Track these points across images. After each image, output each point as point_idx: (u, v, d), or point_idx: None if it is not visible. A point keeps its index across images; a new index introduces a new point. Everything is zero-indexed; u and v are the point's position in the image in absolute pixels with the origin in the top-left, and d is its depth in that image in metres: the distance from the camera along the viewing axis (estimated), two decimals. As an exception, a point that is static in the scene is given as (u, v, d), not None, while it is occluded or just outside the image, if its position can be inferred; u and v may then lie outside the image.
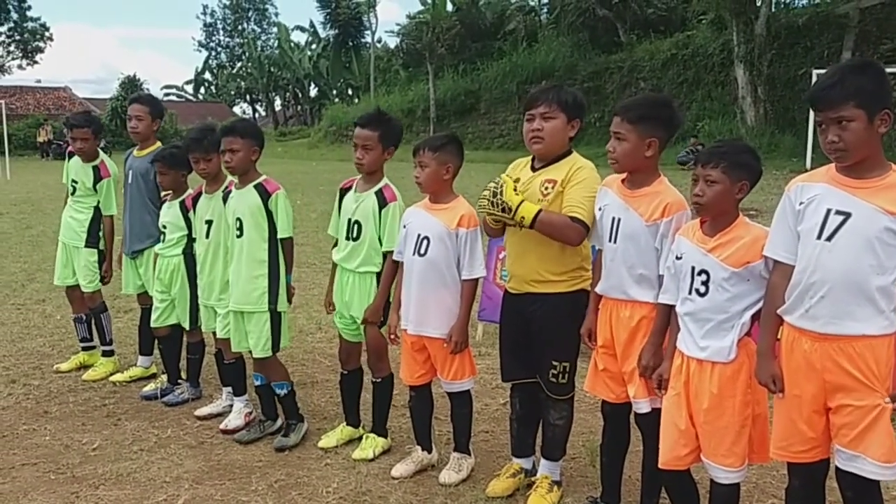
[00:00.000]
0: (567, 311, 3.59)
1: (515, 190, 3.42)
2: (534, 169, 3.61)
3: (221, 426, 4.63)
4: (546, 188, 3.48)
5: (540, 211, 3.37)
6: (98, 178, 5.48)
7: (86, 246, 5.53)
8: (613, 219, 3.28)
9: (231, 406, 4.78)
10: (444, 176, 3.82)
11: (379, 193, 4.10)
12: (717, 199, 2.91)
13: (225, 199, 4.50)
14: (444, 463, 4.06)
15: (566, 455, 3.90)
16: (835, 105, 2.57)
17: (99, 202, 5.52)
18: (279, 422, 4.59)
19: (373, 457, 4.21)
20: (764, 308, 2.86)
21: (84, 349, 5.81)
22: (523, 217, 3.37)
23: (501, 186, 3.41)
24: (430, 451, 4.13)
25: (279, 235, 4.34)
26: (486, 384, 5.09)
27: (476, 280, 3.87)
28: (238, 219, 4.32)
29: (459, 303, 3.83)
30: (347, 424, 4.49)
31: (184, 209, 4.91)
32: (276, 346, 4.40)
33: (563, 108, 3.48)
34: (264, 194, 4.31)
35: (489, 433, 4.58)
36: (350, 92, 59.57)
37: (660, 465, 3.09)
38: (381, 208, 4.07)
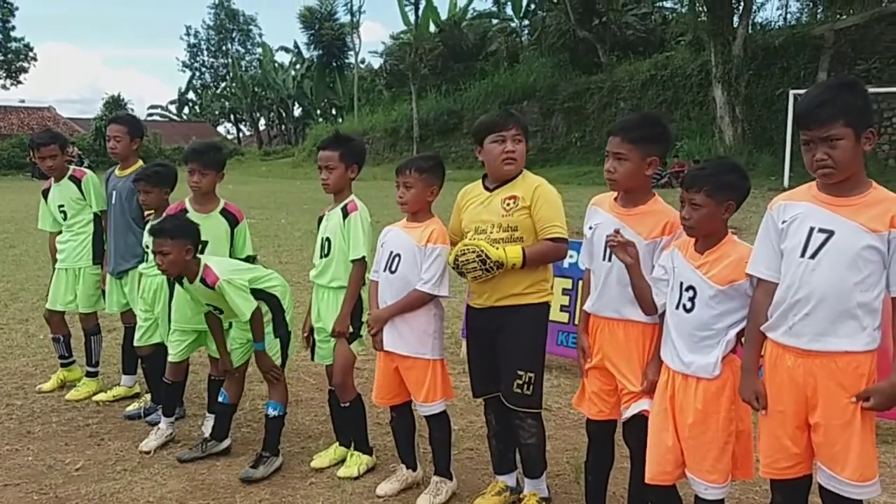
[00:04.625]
0: (532, 322, 3.67)
1: (490, 244, 3.56)
2: (488, 189, 3.73)
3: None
4: (508, 204, 3.62)
5: (524, 251, 3.54)
6: (78, 181, 5.47)
7: (94, 263, 5.50)
8: (608, 237, 3.30)
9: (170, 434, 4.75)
10: (429, 197, 3.89)
11: (343, 208, 4.19)
12: (703, 222, 2.95)
13: None
14: (429, 480, 4.05)
15: (551, 472, 3.91)
16: (824, 123, 2.57)
17: (91, 210, 5.47)
18: (225, 443, 4.56)
19: (357, 475, 4.21)
20: (747, 325, 2.89)
21: (63, 366, 5.78)
22: (514, 264, 3.53)
23: (483, 251, 3.52)
24: (414, 469, 4.14)
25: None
26: (471, 402, 5.09)
27: (425, 295, 3.80)
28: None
29: (397, 306, 3.82)
30: (340, 445, 4.47)
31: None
32: (283, 363, 4.47)
33: (525, 131, 3.71)
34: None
35: (474, 451, 4.59)
36: (334, 112, 59.68)
37: (646, 481, 3.10)
38: (344, 221, 4.16)
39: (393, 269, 3.85)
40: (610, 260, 3.29)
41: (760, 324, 2.80)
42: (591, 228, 3.42)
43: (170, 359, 4.71)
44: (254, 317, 4.24)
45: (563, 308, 5.79)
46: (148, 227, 4.54)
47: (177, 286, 4.48)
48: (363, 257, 4.09)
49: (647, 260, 3.22)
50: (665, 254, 3.14)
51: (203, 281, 4.22)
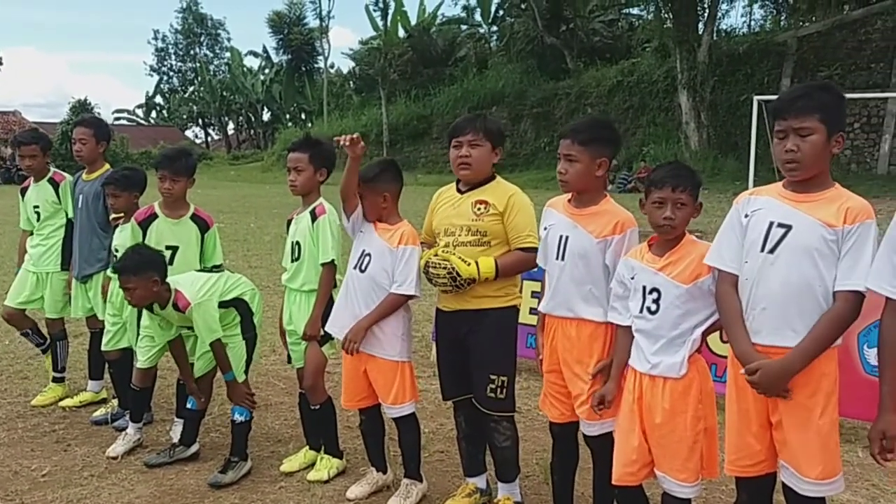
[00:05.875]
0: (502, 325, 3.70)
1: (462, 259, 3.57)
2: (460, 191, 3.76)
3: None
4: (479, 209, 3.64)
5: (496, 263, 3.57)
6: (56, 185, 5.44)
7: (62, 269, 5.44)
8: (561, 237, 3.36)
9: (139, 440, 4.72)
10: (383, 204, 3.89)
11: (312, 212, 4.19)
12: (684, 222, 3.00)
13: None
14: (399, 483, 4.06)
15: (521, 474, 3.93)
16: (801, 115, 2.66)
17: (66, 216, 5.42)
18: (193, 449, 4.54)
19: (328, 478, 4.21)
20: (722, 318, 2.88)
21: (44, 352, 5.76)
22: (487, 277, 3.56)
23: (454, 268, 3.54)
24: (384, 472, 4.15)
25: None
26: (441, 404, 5.10)
27: (402, 298, 3.82)
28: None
29: (375, 314, 3.80)
30: (310, 448, 4.46)
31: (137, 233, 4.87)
32: (248, 364, 4.44)
33: (488, 136, 3.67)
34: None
35: (444, 453, 4.61)
36: (303, 116, 59.41)
37: (613, 481, 3.13)
38: (313, 224, 4.15)
39: (363, 267, 3.86)
40: (563, 259, 3.34)
41: (736, 308, 2.79)
42: (545, 229, 3.47)
43: (137, 365, 4.67)
44: (214, 347, 4.25)
45: (532, 311, 5.82)
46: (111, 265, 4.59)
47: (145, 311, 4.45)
48: (333, 260, 4.10)
49: (599, 257, 3.28)
50: (619, 268, 3.18)
51: (175, 306, 4.22)
